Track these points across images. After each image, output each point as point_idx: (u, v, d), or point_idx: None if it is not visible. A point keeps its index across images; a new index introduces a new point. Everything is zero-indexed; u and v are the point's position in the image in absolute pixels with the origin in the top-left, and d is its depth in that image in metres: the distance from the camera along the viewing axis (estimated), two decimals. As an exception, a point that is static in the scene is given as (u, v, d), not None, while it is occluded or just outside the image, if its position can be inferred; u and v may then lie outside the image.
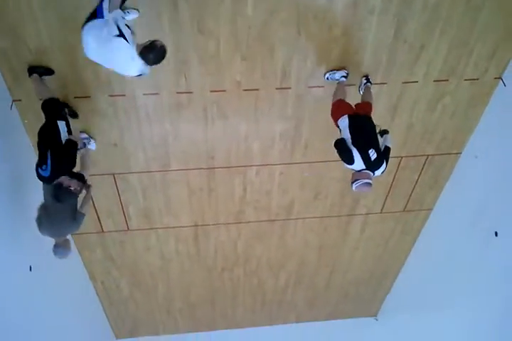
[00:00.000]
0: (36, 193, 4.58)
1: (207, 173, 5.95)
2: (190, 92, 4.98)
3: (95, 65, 3.78)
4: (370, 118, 4.70)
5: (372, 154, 4.41)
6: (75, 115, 4.95)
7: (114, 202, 6.08)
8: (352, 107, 4.72)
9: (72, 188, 4.27)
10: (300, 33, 4.65)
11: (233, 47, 4.67)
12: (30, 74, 4.53)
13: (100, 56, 3.70)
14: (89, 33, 3.60)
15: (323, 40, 4.75)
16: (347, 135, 4.50)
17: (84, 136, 5.24)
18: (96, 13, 3.61)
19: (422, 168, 6.33)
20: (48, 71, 4.57)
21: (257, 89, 5.08)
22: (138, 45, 3.60)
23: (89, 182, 4.79)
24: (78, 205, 4.67)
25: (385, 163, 4.52)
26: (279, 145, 5.73)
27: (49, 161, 4.23)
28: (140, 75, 3.79)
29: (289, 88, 5.14)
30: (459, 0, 4.55)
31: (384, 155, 4.57)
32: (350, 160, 4.39)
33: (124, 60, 3.65)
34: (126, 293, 7.79)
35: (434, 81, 5.25)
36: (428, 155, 6.15)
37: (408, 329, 8.04)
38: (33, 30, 4.32)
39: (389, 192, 6.65)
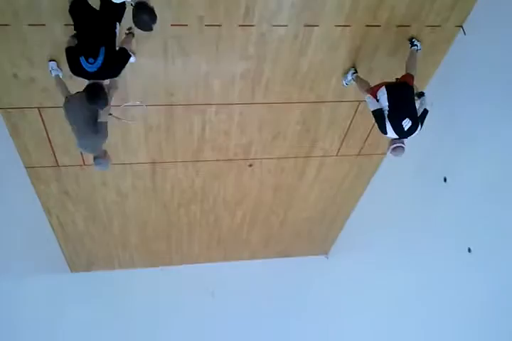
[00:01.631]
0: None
1: (165, 110, 5.89)
2: (151, 25, 4.84)
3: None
4: (408, 85, 4.89)
5: (406, 124, 4.75)
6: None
7: (70, 136, 5.97)
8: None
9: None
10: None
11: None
12: None
13: None
14: None
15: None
16: (385, 104, 4.80)
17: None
18: None
19: (380, 113, 6.41)
20: None
21: (219, 25, 4.97)
22: None
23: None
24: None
25: (420, 127, 4.83)
26: (239, 84, 5.68)
27: (101, 57, 3.87)
28: None
29: (252, 25, 5.05)
30: None
31: (421, 118, 4.86)
32: (383, 131, 4.87)
33: None
34: (82, 227, 7.82)
35: (397, 26, 5.25)
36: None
37: (357, 268, 8.40)
38: None
39: (345, 135, 6.75)
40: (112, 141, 6.14)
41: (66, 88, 4.88)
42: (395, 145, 4.88)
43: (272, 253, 9.68)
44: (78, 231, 7.90)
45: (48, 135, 5.90)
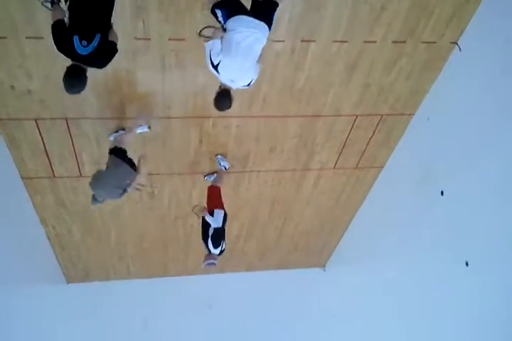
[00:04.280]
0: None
1: (163, 122, 5.91)
2: (148, 39, 4.87)
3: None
4: None
5: None
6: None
7: (67, 147, 5.99)
8: None
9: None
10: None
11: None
12: None
13: None
14: None
15: None
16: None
17: None
18: None
19: (376, 127, 6.45)
20: None
21: (216, 39, 4.99)
22: None
23: None
24: None
25: None
26: (237, 97, 5.68)
27: (95, 44, 3.67)
28: None
29: (249, 40, 5.07)
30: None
31: None
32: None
33: None
34: (78, 238, 7.81)
35: (393, 42, 5.28)
36: (382, 115, 6.26)
37: (353, 281, 8.38)
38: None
39: (342, 149, 6.77)
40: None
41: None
42: (207, 262, 5.63)
43: (268, 265, 9.65)
44: (74, 241, 7.89)
45: (44, 146, 5.91)
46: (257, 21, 3.85)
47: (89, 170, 6.37)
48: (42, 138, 5.80)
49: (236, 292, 9.31)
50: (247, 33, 3.82)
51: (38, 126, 5.66)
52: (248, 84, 4.09)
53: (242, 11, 3.88)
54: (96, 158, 6.21)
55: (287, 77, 5.51)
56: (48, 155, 6.07)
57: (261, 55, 4.00)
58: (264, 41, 3.93)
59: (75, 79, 3.79)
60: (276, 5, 4.06)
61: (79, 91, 3.88)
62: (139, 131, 5.86)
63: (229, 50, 3.84)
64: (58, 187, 6.62)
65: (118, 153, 5.32)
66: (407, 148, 6.70)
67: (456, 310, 5.62)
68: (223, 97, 4.16)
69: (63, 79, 3.75)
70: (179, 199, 7.27)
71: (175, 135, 6.13)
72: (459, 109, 5.53)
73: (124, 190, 5.17)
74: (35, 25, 4.59)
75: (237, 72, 3.96)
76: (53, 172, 6.32)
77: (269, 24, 3.95)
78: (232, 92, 4.14)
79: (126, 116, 5.74)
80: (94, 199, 5.22)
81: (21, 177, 6.32)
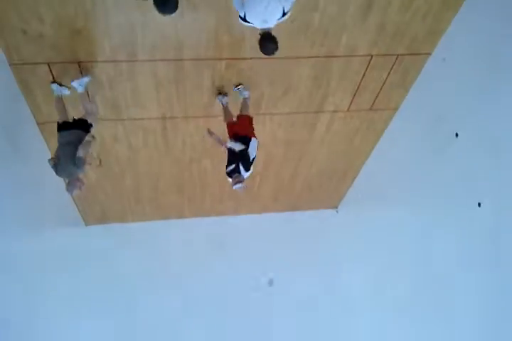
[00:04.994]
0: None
1: (175, 65, 5.86)
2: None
3: None
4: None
5: None
6: None
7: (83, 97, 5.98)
8: None
9: None
10: None
11: None
12: None
13: None
14: None
15: None
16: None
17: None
18: None
19: (392, 68, 6.33)
20: None
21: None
22: None
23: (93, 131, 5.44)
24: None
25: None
26: (249, 39, 5.60)
27: None
28: None
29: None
30: None
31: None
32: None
33: None
34: (94, 181, 7.92)
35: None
36: (398, 55, 6.13)
37: (366, 222, 8.51)
38: None
39: (357, 90, 6.69)
40: (122, 96, 6.16)
41: (65, 110, 5.51)
42: (237, 185, 5.41)
43: (282, 207, 9.79)
44: (91, 184, 7.99)
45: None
46: None
47: (103, 114, 6.39)
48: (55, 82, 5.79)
49: (250, 233, 9.47)
50: None
51: (50, 69, 5.63)
52: (283, 15, 3.97)
53: None
54: (109, 100, 6.22)
55: (301, 17, 5.38)
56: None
57: None
58: None
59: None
60: None
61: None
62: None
63: None
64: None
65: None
66: (422, 89, 6.59)
67: (466, 252, 5.71)
68: (266, 41, 4.10)
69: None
70: (194, 142, 7.30)
71: (187, 77, 6.07)
72: (476, 49, 5.39)
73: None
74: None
75: (264, 13, 3.89)
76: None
77: None
78: (274, 33, 4.07)
79: (137, 59, 5.68)
80: (69, 185, 5.25)
81: (36, 122, 6.36)
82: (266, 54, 4.23)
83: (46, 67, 5.59)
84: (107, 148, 7.12)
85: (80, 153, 5.15)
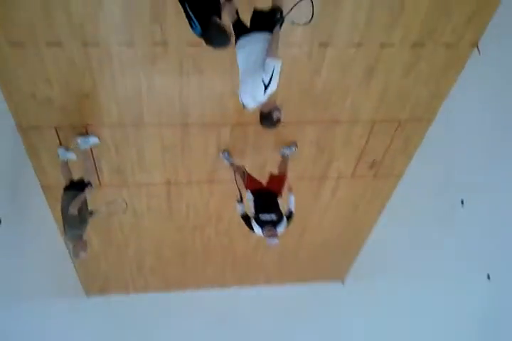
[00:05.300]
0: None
1: (181, 129, 5.94)
2: (166, 44, 4.92)
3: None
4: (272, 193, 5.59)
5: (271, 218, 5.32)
6: None
7: (86, 155, 6.04)
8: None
9: None
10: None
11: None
12: None
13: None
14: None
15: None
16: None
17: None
18: None
19: (394, 133, 6.40)
20: None
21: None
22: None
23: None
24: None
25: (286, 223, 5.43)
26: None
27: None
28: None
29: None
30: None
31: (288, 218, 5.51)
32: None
33: None
34: (97, 249, 7.82)
35: (411, 45, 5.27)
36: (400, 121, 6.22)
37: (373, 294, 8.26)
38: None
39: (360, 156, 6.73)
40: (128, 161, 6.21)
41: (70, 173, 5.67)
42: (271, 240, 5.32)
43: (286, 278, 9.56)
44: (94, 252, 7.89)
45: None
46: (251, 36, 3.88)
47: (108, 179, 6.41)
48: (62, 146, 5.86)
49: (254, 306, 9.20)
50: (240, 54, 3.93)
51: (58, 134, 5.72)
52: (266, 88, 3.90)
53: (241, 31, 3.92)
54: (114, 165, 6.26)
55: (304, 81, 5.52)
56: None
57: (269, 49, 3.80)
58: (261, 42, 3.85)
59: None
60: (275, 12, 3.96)
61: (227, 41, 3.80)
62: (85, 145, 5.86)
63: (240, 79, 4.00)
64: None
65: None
66: (426, 155, 6.63)
67: (476, 323, 5.49)
68: (265, 119, 4.18)
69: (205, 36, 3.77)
70: (197, 208, 7.26)
71: (192, 142, 6.14)
72: (479, 114, 5.47)
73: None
74: (54, 30, 4.66)
75: (251, 91, 3.94)
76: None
77: (271, 28, 3.86)
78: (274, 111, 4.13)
79: (144, 122, 5.78)
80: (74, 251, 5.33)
81: (41, 186, 6.37)
82: (267, 128, 4.35)
83: (53, 131, 5.68)
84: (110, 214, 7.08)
85: (71, 210, 5.23)
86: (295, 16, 3.94)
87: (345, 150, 6.57)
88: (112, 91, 5.33)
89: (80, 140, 5.72)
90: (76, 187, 5.52)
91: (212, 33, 3.70)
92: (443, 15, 5.03)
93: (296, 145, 6.33)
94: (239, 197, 5.62)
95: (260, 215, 5.31)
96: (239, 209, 5.55)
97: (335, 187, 7.23)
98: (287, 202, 5.63)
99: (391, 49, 5.32)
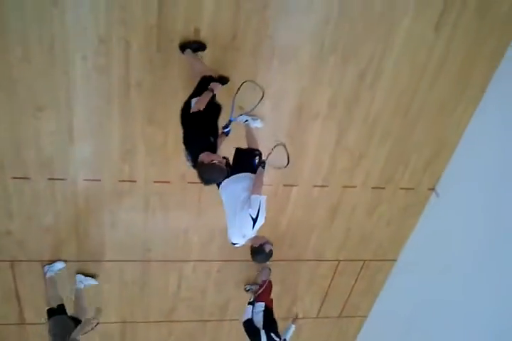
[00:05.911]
0: None
1: (142, 266, 5.77)
2: (134, 181, 4.97)
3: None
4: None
5: None
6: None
7: (38, 291, 5.73)
8: None
9: None
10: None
11: (181, 140, 4.74)
12: None
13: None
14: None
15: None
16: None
17: None
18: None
19: (359, 273, 6.37)
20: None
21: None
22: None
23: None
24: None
25: None
26: (219, 240, 5.67)
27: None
28: None
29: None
30: (397, 113, 4.89)
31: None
32: None
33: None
34: None
35: (372, 188, 5.46)
36: (365, 261, 6.22)
37: None
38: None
39: (325, 296, 6.59)
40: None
41: (57, 293, 5.26)
42: None
43: None
44: None
45: (16, 290, 5.65)
46: (232, 176, 4.00)
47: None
48: (15, 281, 5.57)
49: None
50: (224, 195, 4.03)
51: (12, 268, 5.47)
52: (254, 222, 3.95)
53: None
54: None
55: (269, 219, 5.53)
56: (19, 301, 5.78)
57: (254, 187, 3.95)
58: (243, 181, 3.99)
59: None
60: (253, 154, 4.22)
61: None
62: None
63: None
64: (28, 336, 6.19)
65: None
66: (390, 295, 6.54)
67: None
68: (257, 253, 4.08)
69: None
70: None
71: (153, 279, 5.94)
72: (440, 254, 5.53)
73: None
74: (22, 164, 4.66)
75: (240, 229, 3.97)
76: (24, 318, 5.98)
77: (252, 169, 4.09)
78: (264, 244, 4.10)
79: (104, 260, 5.60)
80: None
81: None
82: (258, 262, 4.36)
83: (8, 265, 5.43)
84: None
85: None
86: (269, 159, 4.11)
87: (310, 289, 6.44)
88: (73, 225, 5.23)
89: (80, 278, 5.59)
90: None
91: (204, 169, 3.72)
92: (401, 163, 5.32)
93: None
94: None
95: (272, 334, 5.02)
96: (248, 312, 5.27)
97: (299, 327, 6.92)
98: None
99: (353, 189, 5.48)
